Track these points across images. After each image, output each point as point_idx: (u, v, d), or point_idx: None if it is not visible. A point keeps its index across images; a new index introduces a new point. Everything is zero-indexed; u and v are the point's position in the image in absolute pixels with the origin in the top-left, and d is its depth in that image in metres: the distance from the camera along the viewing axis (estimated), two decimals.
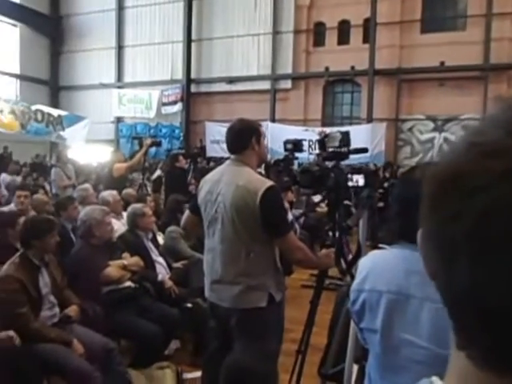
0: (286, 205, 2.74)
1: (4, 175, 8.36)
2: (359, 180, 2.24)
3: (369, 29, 12.57)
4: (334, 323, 2.85)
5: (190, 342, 3.70)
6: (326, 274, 2.93)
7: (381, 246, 1.35)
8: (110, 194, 4.54)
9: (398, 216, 1.22)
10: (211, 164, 12.10)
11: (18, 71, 15.77)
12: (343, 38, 13.35)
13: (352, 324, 1.83)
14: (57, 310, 2.78)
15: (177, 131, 15.00)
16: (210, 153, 12.81)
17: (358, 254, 2.00)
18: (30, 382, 2.05)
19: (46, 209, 4.25)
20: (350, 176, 2.22)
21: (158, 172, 8.71)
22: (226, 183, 2.21)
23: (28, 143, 13.08)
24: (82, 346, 2.60)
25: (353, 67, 12.97)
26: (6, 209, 4.40)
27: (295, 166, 3.75)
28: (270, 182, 2.19)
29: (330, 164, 2.49)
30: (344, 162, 2.52)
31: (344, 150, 2.43)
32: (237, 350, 2.18)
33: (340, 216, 2.45)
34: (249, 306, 2.19)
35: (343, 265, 3.39)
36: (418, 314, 1.11)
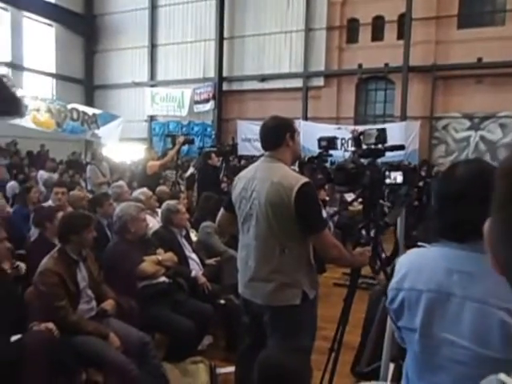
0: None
1: (42, 172, 8.62)
2: (397, 177, 2.18)
3: (404, 24, 12.26)
4: (368, 322, 2.81)
5: (223, 338, 3.72)
6: (360, 272, 2.88)
7: (420, 244, 1.32)
8: (141, 193, 4.61)
9: (438, 214, 1.19)
10: (242, 162, 12.16)
11: (53, 70, 16.12)
12: (377, 34, 13.08)
13: (389, 322, 1.79)
14: (94, 303, 2.84)
15: (209, 129, 15.10)
16: (241, 151, 12.84)
17: (395, 253, 1.95)
18: (70, 373, 2.10)
19: (82, 205, 4.35)
20: (387, 173, 2.16)
21: (191, 170, 8.81)
22: (260, 180, 2.20)
23: (64, 141, 13.44)
24: (118, 340, 2.65)
25: (387, 64, 12.71)
26: (44, 205, 4.53)
27: (328, 164, 3.71)
28: (305, 179, 2.18)
29: (365, 161, 2.44)
30: (379, 160, 2.47)
31: (380, 147, 2.37)
32: (270, 346, 2.17)
33: (376, 214, 2.39)
34: (282, 303, 2.18)
35: (377, 264, 3.32)
36: (458, 313, 1.09)
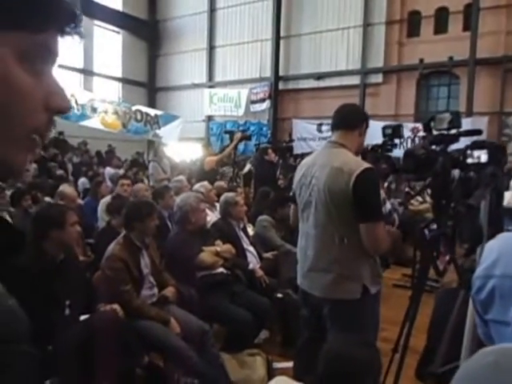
0: (382, 195, 2.58)
1: (108, 169, 9.14)
2: (481, 156, 1.97)
3: (470, 15, 11.60)
4: (435, 325, 2.64)
5: (279, 333, 3.68)
6: (428, 273, 2.67)
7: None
8: (202, 186, 4.69)
9: None
10: (298, 161, 12.06)
11: (120, 75, 17.10)
12: (440, 26, 12.46)
13: (469, 319, 1.66)
14: (155, 290, 2.91)
15: (264, 129, 15.17)
16: (296, 150, 12.76)
17: (479, 238, 1.78)
18: (134, 355, 2.16)
19: (145, 196, 4.50)
20: (469, 152, 1.99)
21: (248, 166, 8.87)
22: (320, 165, 2.13)
23: (128, 141, 14.03)
24: (178, 326, 2.70)
25: (451, 58, 12.08)
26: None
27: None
28: (366, 164, 2.06)
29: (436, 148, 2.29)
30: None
31: (454, 132, 2.21)
32: (334, 339, 2.10)
33: (448, 205, 2.23)
34: (341, 296, 2.08)
35: (439, 266, 3.13)
36: None
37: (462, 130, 2.19)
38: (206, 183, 4.71)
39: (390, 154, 2.71)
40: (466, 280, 1.75)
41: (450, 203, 2.16)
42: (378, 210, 2.07)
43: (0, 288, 0.51)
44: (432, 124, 2.28)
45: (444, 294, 2.79)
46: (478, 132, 2.26)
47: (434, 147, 2.25)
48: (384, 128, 2.69)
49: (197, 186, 4.62)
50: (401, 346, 2.62)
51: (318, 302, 2.18)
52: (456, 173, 2.22)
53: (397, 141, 2.84)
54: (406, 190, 6.27)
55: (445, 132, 2.20)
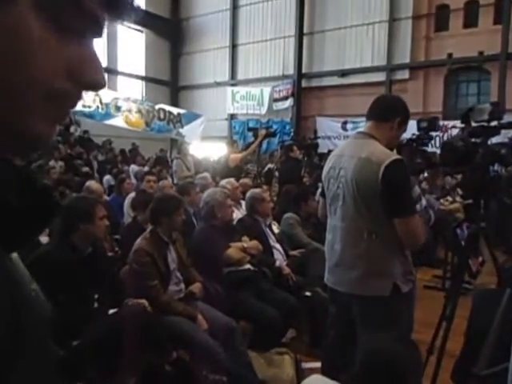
0: (418, 191, 2.47)
1: (133, 166, 9.25)
2: None
3: (502, 7, 11.21)
4: (473, 328, 2.50)
5: (307, 332, 3.60)
6: (464, 274, 2.55)
7: None
8: (228, 182, 4.63)
9: None
10: (323, 160, 11.92)
11: (143, 73, 17.29)
12: (470, 20, 12.10)
13: None
14: (182, 285, 2.87)
15: (287, 127, 15.06)
16: (321, 148, 12.62)
17: None
18: (163, 351, 2.12)
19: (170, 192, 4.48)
20: None
21: (270, 165, 8.81)
22: (348, 156, 2.04)
23: (151, 140, 14.19)
24: (205, 322, 2.65)
25: (481, 52, 11.72)
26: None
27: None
28: (395, 155, 1.96)
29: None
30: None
31: (495, 124, 2.10)
32: (370, 338, 2.00)
33: (488, 199, 2.12)
34: (368, 293, 1.99)
35: (472, 267, 2.99)
36: None
37: (503, 121, 2.07)
38: (232, 180, 4.66)
39: (425, 148, 2.61)
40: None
41: (488, 200, 2.04)
42: (411, 203, 1.97)
43: (22, 269, 0.46)
44: (470, 115, 2.17)
45: (482, 295, 2.66)
46: None
47: (473, 140, 2.14)
48: (419, 121, 2.59)
49: (223, 183, 4.56)
50: (436, 349, 2.51)
51: (347, 299, 2.09)
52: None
53: (433, 134, 2.72)
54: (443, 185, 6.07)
55: (485, 124, 2.08)
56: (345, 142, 2.25)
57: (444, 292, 4.92)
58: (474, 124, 2.22)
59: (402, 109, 2.11)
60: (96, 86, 0.42)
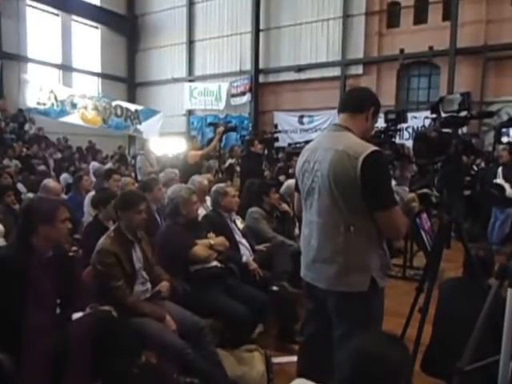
0: None
1: (94, 163, 9.02)
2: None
3: (450, 5, 11.67)
4: (442, 318, 2.53)
5: (275, 326, 3.59)
6: (439, 264, 2.55)
7: None
8: (205, 178, 4.60)
9: None
10: (280, 155, 12.03)
11: (99, 70, 16.90)
12: (420, 16, 12.53)
13: (508, 314, 1.54)
14: (149, 285, 2.78)
15: (246, 122, 15.11)
16: (279, 142, 12.69)
17: None
18: (131, 354, 2.04)
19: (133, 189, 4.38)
20: (504, 130, 1.92)
21: (230, 160, 8.76)
22: (323, 149, 1.99)
23: (109, 137, 13.83)
24: (174, 323, 2.57)
25: (431, 47, 12.16)
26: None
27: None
28: (374, 147, 1.90)
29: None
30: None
31: (465, 114, 2.13)
32: (337, 336, 1.98)
33: (461, 191, 2.15)
34: (347, 289, 1.94)
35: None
36: None
37: (473, 112, 2.12)
38: (209, 175, 4.58)
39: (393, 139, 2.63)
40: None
41: (461, 189, 2.08)
42: (391, 195, 1.93)
43: None
44: (440, 106, 2.20)
45: (449, 285, 2.70)
46: (490, 114, 2.19)
47: (445, 130, 2.17)
48: (386, 113, 2.60)
49: (199, 179, 4.43)
50: (406, 339, 2.49)
51: (324, 295, 2.04)
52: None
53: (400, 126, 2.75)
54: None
55: (455, 114, 2.12)
56: (319, 135, 2.19)
57: (403, 280, 5.07)
58: (443, 114, 2.25)
59: (374, 99, 2.10)
60: None
